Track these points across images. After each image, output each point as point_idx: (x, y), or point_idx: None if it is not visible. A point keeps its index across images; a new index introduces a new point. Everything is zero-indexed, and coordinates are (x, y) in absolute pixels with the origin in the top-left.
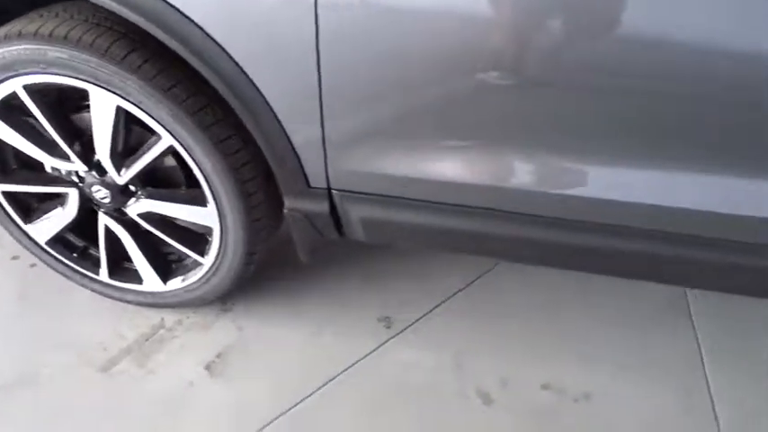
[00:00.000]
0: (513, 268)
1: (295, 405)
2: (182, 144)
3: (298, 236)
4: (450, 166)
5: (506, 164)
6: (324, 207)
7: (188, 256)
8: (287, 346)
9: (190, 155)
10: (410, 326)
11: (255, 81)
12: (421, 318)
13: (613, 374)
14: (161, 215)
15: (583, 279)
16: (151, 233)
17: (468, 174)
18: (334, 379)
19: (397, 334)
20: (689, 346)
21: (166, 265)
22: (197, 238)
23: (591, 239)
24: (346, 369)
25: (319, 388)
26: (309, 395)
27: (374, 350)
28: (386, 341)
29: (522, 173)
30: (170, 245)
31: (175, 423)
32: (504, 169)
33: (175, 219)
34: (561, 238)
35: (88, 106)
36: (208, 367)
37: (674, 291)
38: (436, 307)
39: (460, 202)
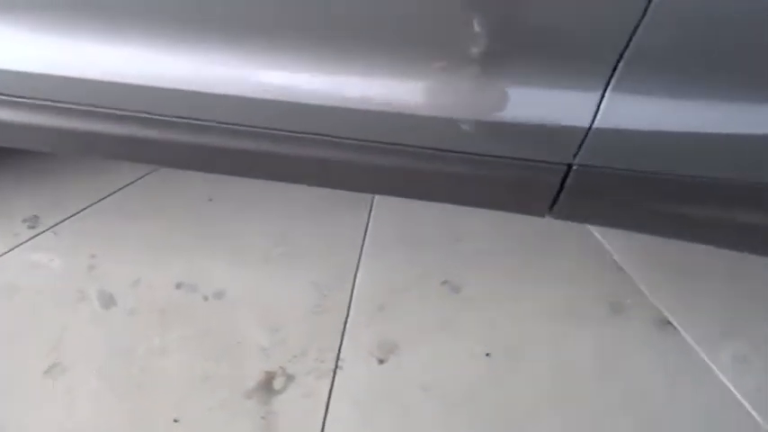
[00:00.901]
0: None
1: None
2: None
3: None
4: None
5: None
6: None
7: None
8: None
9: None
10: (54, 226)
11: None
12: (69, 218)
13: (258, 267)
14: None
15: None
16: None
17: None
18: None
19: (38, 234)
20: (354, 240)
21: None
22: None
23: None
24: None
25: None
26: None
27: (7, 252)
28: (23, 242)
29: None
30: None
31: None
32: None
33: None
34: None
35: None
36: None
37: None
38: (89, 206)
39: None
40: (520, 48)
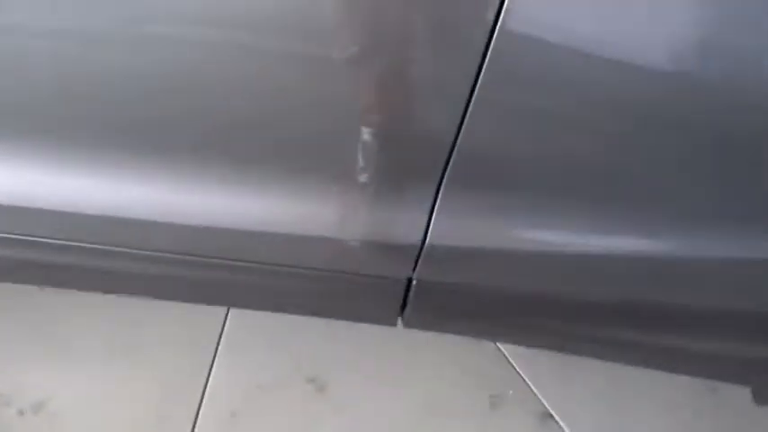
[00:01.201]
0: None
1: None
2: None
3: None
4: None
5: None
6: None
7: None
8: None
9: None
10: None
11: None
12: None
13: (93, 370)
14: None
15: None
16: None
17: None
18: None
19: None
20: (210, 335)
21: None
22: None
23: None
24: None
25: None
26: None
27: None
28: None
29: None
30: None
31: None
32: None
33: None
34: None
35: None
36: None
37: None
38: None
39: None
40: (352, 167)
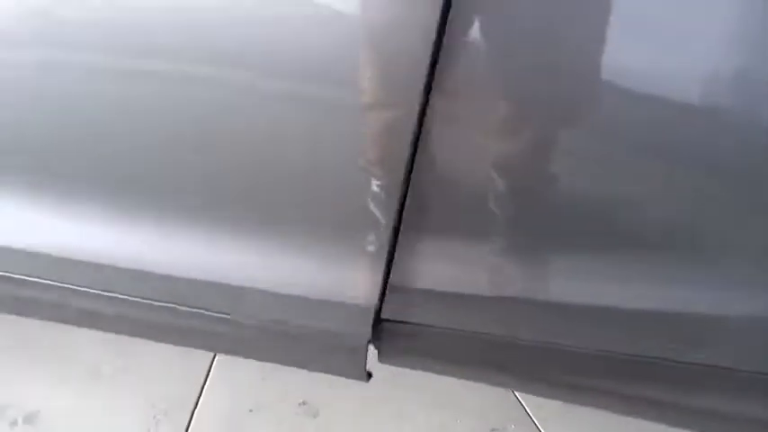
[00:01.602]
0: None
1: None
2: None
3: None
4: None
5: None
6: None
7: None
8: None
9: None
10: None
11: None
12: None
13: (84, 385)
14: None
15: None
16: None
17: None
18: None
19: None
20: (204, 353)
21: None
22: None
23: None
24: None
25: None
26: None
27: None
28: None
29: None
30: None
31: None
32: None
33: None
34: None
35: None
36: None
37: None
38: None
39: None
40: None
